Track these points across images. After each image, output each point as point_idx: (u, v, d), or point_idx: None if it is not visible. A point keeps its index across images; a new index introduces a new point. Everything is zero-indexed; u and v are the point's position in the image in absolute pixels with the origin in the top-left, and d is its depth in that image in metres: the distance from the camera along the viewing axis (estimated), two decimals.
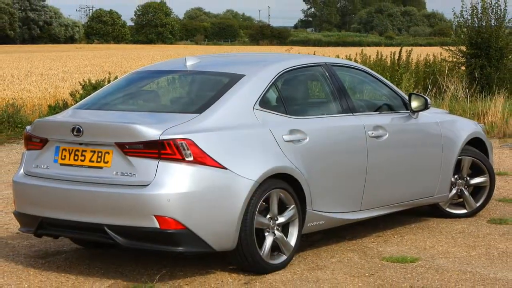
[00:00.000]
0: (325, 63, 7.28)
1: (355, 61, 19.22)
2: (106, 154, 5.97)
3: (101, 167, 5.98)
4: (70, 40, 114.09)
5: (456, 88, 17.76)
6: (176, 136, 5.82)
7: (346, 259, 6.63)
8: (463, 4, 20.80)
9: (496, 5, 20.64)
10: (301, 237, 6.51)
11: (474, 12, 20.73)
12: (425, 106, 7.62)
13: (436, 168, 7.79)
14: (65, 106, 15.27)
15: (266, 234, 6.22)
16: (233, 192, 5.93)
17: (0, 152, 13.16)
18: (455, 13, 21.15)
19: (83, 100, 6.96)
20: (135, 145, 5.85)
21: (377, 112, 7.48)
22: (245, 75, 6.55)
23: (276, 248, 6.30)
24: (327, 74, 7.14)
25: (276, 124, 6.40)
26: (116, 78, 15.80)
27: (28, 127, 6.53)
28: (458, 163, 8.12)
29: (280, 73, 6.75)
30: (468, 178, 8.21)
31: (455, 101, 17.30)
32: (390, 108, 7.61)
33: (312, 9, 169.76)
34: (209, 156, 5.87)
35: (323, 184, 6.65)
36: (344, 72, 7.46)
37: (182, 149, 5.80)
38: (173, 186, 5.77)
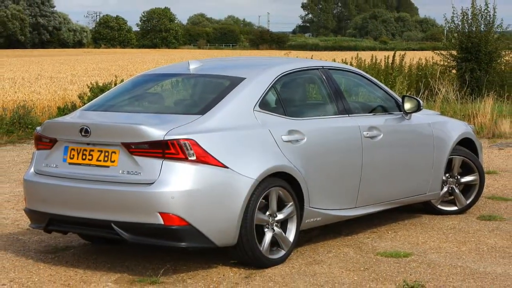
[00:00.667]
0: (322, 66, 7.29)
1: (351, 64, 19.21)
2: (113, 154, 5.97)
3: (108, 166, 5.98)
4: (78, 44, 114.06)
5: (447, 91, 17.77)
6: (179, 136, 5.82)
7: (342, 254, 6.63)
8: (454, 10, 20.83)
9: (486, 11, 20.65)
10: (299, 233, 6.51)
11: (465, 18, 20.74)
12: (418, 108, 7.62)
13: (428, 167, 7.79)
14: (74, 107, 15.26)
15: (266, 230, 6.22)
16: (234, 190, 5.93)
17: (12, 151, 13.15)
18: (446, 19, 21.18)
19: (90, 102, 6.96)
20: (141, 145, 5.85)
21: (372, 114, 7.48)
22: (245, 78, 6.55)
23: (275, 243, 6.30)
24: (324, 77, 7.14)
25: (275, 125, 6.40)
26: (122, 81, 15.80)
27: (38, 128, 6.53)
28: (449, 162, 8.12)
29: (279, 76, 6.75)
30: (458, 177, 8.22)
31: (446, 103, 17.30)
32: (384, 110, 7.60)
33: (310, 15, 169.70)
34: (211, 155, 5.88)
35: (320, 182, 6.65)
36: (340, 75, 7.46)
37: (185, 149, 5.80)
38: (176, 184, 5.77)
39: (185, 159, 5.80)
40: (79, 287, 5.75)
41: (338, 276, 5.99)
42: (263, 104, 6.47)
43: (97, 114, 6.53)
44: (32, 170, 6.42)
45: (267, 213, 6.23)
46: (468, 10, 20.70)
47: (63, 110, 15.46)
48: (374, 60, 20.36)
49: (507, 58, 21.39)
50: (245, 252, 6.06)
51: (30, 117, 15.51)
